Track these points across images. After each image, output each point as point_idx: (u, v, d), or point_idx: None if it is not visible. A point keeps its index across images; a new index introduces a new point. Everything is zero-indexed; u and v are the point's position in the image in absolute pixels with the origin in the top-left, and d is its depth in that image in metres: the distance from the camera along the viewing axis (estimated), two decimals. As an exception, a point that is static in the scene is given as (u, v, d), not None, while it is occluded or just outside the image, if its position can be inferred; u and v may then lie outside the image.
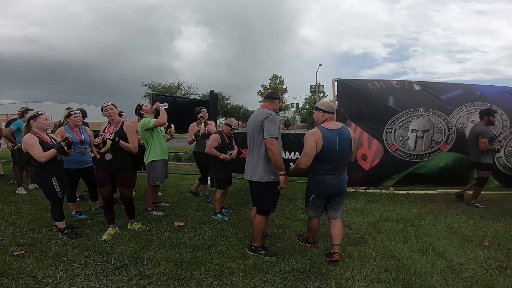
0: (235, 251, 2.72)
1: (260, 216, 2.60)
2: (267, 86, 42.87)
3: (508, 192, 4.98)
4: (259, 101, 43.94)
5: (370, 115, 4.83)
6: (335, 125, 2.48)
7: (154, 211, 3.73)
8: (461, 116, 4.89)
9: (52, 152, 2.84)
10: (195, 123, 4.36)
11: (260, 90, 43.54)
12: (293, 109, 43.50)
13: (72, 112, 3.58)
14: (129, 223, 3.25)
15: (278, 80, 43.40)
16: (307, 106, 44.15)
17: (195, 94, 34.09)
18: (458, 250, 2.80)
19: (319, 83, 32.02)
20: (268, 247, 2.73)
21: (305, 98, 43.71)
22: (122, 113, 3.91)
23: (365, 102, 4.83)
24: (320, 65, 31.30)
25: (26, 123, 2.94)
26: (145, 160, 3.69)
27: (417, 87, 4.90)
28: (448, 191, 5.01)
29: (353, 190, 5.04)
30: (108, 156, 2.92)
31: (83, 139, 3.57)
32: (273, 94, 2.74)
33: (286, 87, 43.21)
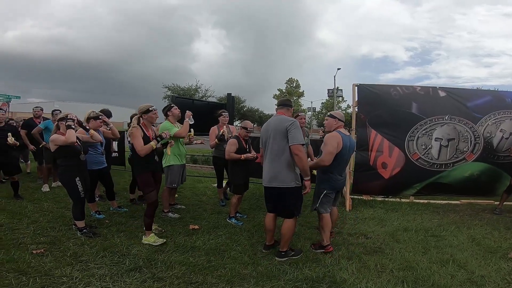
0: (247, 256, 2.70)
1: (290, 220, 2.65)
2: (283, 90, 42.68)
3: None
4: (276, 104, 43.87)
5: (391, 122, 4.66)
6: (345, 131, 2.94)
7: (170, 213, 3.77)
8: (489, 124, 4.62)
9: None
10: (215, 126, 4.36)
11: (276, 94, 43.38)
12: (309, 113, 43.02)
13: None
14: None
15: (294, 84, 43.06)
16: (324, 111, 43.53)
17: (213, 96, 34.63)
18: (480, 262, 2.68)
19: (337, 87, 31.50)
20: (294, 248, 2.81)
21: (322, 103, 43.13)
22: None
23: (387, 109, 4.66)
24: (338, 69, 30.39)
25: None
26: (163, 163, 3.73)
27: (442, 94, 4.68)
28: (472, 201, 4.77)
29: (371, 198, 4.88)
30: (157, 158, 3.21)
31: (102, 140, 3.68)
32: (287, 101, 2.83)
33: (303, 91, 42.80)
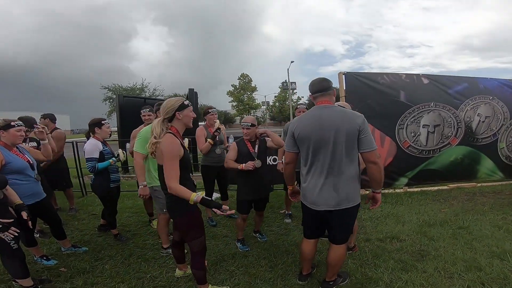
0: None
1: (343, 246, 2.04)
2: (237, 86, 42.08)
3: (510, 182, 4.97)
4: (229, 101, 43.09)
5: (381, 111, 4.46)
6: None
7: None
8: (468, 109, 4.74)
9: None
10: (202, 126, 3.45)
11: (230, 90, 42.60)
12: (264, 107, 43.28)
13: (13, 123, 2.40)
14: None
15: (246, 79, 42.80)
16: (277, 104, 44.24)
17: (162, 96, 32.28)
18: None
19: (286, 80, 32.31)
20: (341, 272, 2.28)
21: (275, 96, 43.76)
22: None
23: (376, 98, 4.45)
24: (292, 61, 31.42)
25: None
26: (147, 182, 2.76)
27: (425, 81, 4.64)
28: (459, 185, 4.88)
29: (367, 191, 4.67)
30: None
31: (31, 161, 2.54)
32: (328, 84, 1.96)
33: (255, 85, 42.78)
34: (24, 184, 2.39)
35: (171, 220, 2.37)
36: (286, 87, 32.09)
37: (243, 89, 41.68)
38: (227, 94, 42.65)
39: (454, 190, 4.72)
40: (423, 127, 4.61)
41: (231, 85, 42.89)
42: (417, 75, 4.69)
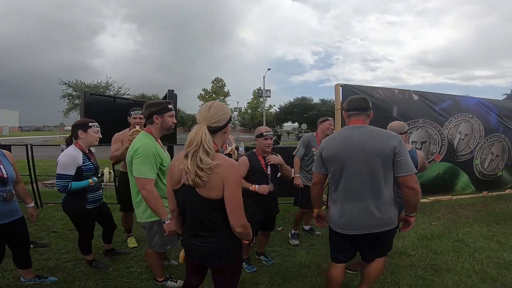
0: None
1: (383, 259, 1.96)
2: (208, 90, 41.36)
3: (480, 195, 5.41)
4: (200, 106, 42.08)
5: (374, 125, 4.46)
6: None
7: (169, 281, 2.34)
8: (451, 127, 4.97)
9: None
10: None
11: (200, 94, 41.67)
12: (236, 113, 42.98)
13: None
14: None
15: (220, 83, 42.30)
16: (249, 111, 44.23)
17: (128, 95, 30.45)
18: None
19: (260, 87, 32.58)
20: None
21: (248, 102, 43.72)
22: None
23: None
24: (268, 69, 31.68)
25: None
26: (139, 214, 2.14)
27: (415, 97, 4.77)
28: (438, 198, 5.18)
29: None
30: None
31: (5, 174, 2.04)
32: (366, 103, 1.88)
33: (229, 91, 42.46)
34: None
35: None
36: (260, 94, 32.18)
37: (216, 94, 41.09)
38: (198, 98, 41.69)
39: (434, 203, 5.00)
40: (411, 143, 4.70)
41: (202, 89, 42.07)
42: (408, 91, 4.81)
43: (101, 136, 2.50)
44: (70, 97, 27.29)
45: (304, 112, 40.34)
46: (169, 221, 1.92)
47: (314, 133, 3.44)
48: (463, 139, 5.06)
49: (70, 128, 2.61)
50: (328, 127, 3.33)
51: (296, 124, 41.43)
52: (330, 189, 1.91)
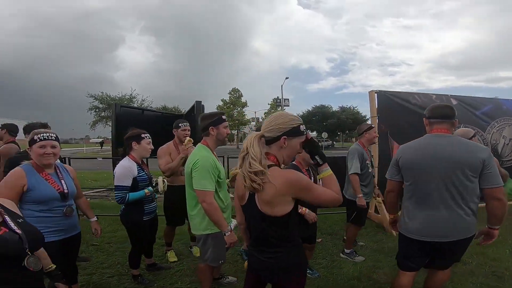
0: None
1: (449, 268, 1.95)
2: (227, 100, 41.97)
3: None
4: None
5: (414, 133, 4.24)
6: None
7: None
8: (494, 132, 4.72)
9: None
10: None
11: (219, 105, 42.33)
12: (253, 123, 43.17)
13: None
14: None
15: (237, 94, 42.84)
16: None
17: (150, 107, 31.58)
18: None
19: (278, 97, 32.54)
20: None
21: (265, 113, 43.82)
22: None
23: (408, 119, 4.31)
24: (286, 77, 31.16)
25: None
26: (196, 227, 2.11)
27: (454, 102, 4.59)
28: (482, 205, 4.82)
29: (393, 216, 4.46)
30: None
31: (65, 189, 1.94)
32: (453, 111, 1.85)
33: (246, 101, 42.81)
34: (50, 216, 1.87)
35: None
36: (279, 103, 32.17)
37: (233, 104, 41.61)
38: (217, 108, 42.36)
39: (483, 210, 4.65)
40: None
41: (221, 99, 42.73)
42: (446, 95, 4.64)
43: (153, 147, 2.54)
44: (97, 110, 28.57)
45: (323, 120, 39.81)
46: (229, 233, 1.93)
47: (358, 142, 3.21)
48: (507, 144, 4.78)
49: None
50: (375, 136, 3.17)
51: (315, 132, 40.96)
52: (405, 196, 1.91)
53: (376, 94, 4.30)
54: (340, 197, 1.31)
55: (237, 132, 45.34)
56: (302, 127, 1.33)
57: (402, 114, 4.31)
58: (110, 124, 29.36)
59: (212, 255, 2.08)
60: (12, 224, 1.16)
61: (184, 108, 37.92)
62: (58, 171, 1.97)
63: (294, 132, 1.30)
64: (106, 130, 29.75)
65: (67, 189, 1.95)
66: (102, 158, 9.21)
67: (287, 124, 1.30)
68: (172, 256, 3.13)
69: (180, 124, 3.02)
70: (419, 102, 4.40)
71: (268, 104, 43.90)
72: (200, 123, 2.09)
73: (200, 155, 1.97)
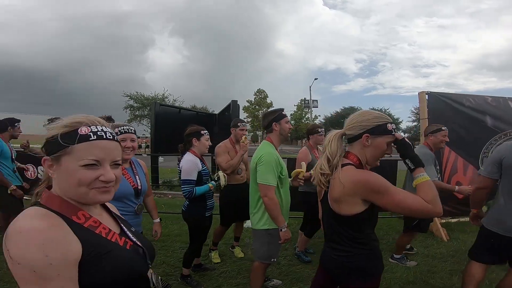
0: None
1: None
2: (252, 101, 42.43)
3: None
4: (245, 117, 43.30)
5: (466, 137, 4.19)
6: None
7: None
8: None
9: None
10: (305, 148, 3.12)
11: (245, 106, 42.85)
12: (279, 124, 43.14)
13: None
14: None
15: (262, 95, 43.15)
16: (292, 122, 44.23)
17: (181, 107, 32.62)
18: None
19: (306, 98, 32.29)
20: None
21: (291, 114, 43.75)
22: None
23: (461, 121, 4.18)
24: (315, 79, 30.40)
25: None
26: (255, 222, 2.14)
27: (512, 105, 4.38)
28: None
29: (444, 221, 4.32)
30: None
31: (139, 186, 1.83)
32: None
33: (271, 102, 42.98)
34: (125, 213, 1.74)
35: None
36: (307, 105, 31.84)
37: (259, 105, 41.92)
38: (243, 109, 42.87)
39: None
40: None
41: (247, 100, 43.23)
42: (504, 98, 4.43)
43: (211, 143, 2.57)
44: (131, 108, 30.14)
45: (352, 122, 38.66)
46: (285, 229, 1.99)
47: (424, 144, 2.98)
48: None
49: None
50: (442, 139, 2.87)
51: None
52: (504, 193, 1.92)
53: (427, 96, 4.21)
54: (433, 207, 1.15)
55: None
56: (391, 126, 1.26)
57: (454, 116, 4.18)
58: (144, 123, 30.58)
59: (266, 253, 2.10)
60: (131, 235, 0.92)
61: (212, 108, 38.84)
62: (133, 166, 1.86)
63: (378, 130, 1.25)
64: (140, 128, 31.21)
65: (141, 185, 1.83)
66: (147, 155, 9.66)
67: (371, 121, 1.26)
68: (216, 257, 3.13)
69: (238, 124, 3.13)
70: (473, 105, 4.24)
71: (294, 106, 43.76)
72: (262, 121, 2.20)
73: (265, 151, 2.05)
